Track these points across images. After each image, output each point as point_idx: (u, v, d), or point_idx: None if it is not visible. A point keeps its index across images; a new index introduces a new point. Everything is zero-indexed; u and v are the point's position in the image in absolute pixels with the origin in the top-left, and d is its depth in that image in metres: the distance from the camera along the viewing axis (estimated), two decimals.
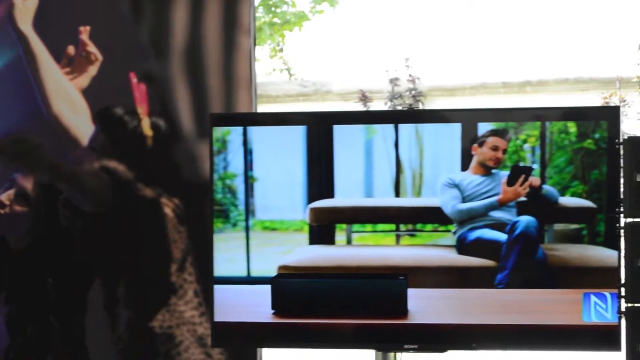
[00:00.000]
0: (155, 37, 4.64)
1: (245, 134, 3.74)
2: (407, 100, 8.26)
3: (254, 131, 3.76)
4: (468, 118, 3.64)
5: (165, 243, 4.60)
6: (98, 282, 4.71)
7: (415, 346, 3.64)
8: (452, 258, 3.68)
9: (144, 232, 4.64)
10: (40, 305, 4.75)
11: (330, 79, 8.83)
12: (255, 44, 4.65)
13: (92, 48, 4.65)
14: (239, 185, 3.77)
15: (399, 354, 3.75)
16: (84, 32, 4.65)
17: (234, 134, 3.76)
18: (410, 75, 8.46)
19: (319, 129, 3.72)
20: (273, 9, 12.06)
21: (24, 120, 4.70)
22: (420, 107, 8.22)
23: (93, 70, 4.67)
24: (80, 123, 4.66)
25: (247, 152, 3.75)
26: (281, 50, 12.56)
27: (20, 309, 4.78)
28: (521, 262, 3.60)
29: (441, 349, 3.66)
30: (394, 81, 8.42)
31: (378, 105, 8.13)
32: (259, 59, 12.26)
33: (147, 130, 4.63)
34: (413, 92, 8.37)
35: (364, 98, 8.05)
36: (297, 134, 3.73)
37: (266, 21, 12.00)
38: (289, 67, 12.61)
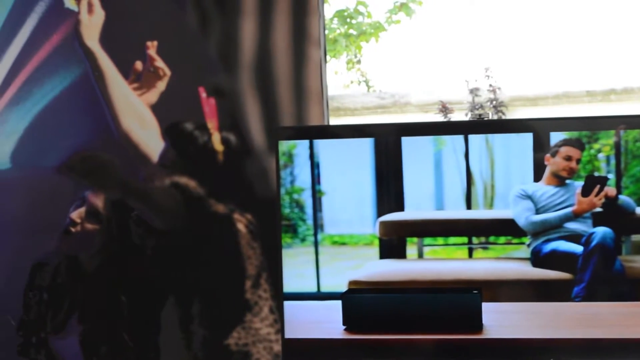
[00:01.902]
0: (223, 51, 4.80)
1: (311, 147, 3.88)
2: (488, 111, 8.34)
3: (321, 144, 3.89)
4: (540, 128, 3.73)
5: (239, 259, 4.75)
6: (172, 300, 4.88)
7: None
8: (527, 271, 3.76)
9: (217, 248, 4.79)
10: (114, 324, 4.93)
11: (409, 91, 8.96)
12: (325, 56, 4.79)
13: (160, 63, 4.84)
14: (307, 199, 3.90)
15: None
16: (152, 47, 4.84)
17: (301, 147, 3.90)
18: (490, 86, 8.54)
19: (387, 141, 3.84)
20: (348, 20, 12.19)
21: (93, 137, 4.90)
22: (502, 117, 8.29)
23: (161, 85, 4.86)
24: (150, 139, 4.85)
25: (314, 166, 3.88)
26: (358, 62, 12.71)
27: (94, 329, 4.97)
28: (598, 275, 3.67)
29: None
30: (474, 91, 8.50)
31: (458, 116, 8.22)
32: (337, 71, 12.43)
33: (218, 145, 4.80)
34: (494, 102, 8.45)
35: (444, 109, 8.16)
36: (365, 147, 3.86)
37: (341, 33, 12.15)
38: (367, 79, 12.75)
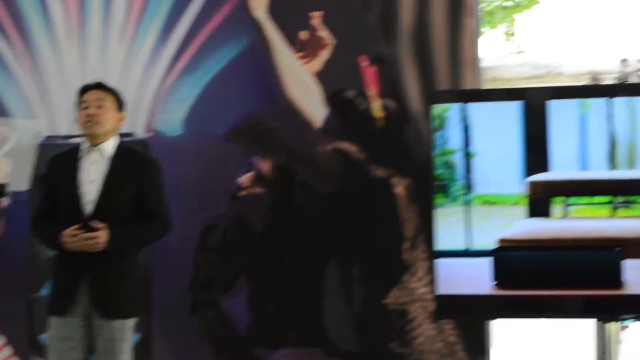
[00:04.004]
0: (384, 21, 5.25)
1: (463, 110, 4.30)
2: (638, 81, 8.51)
3: (472, 108, 4.29)
4: None
5: (397, 222, 5.19)
6: (334, 261, 5.35)
7: (633, 316, 4.10)
8: None
9: (376, 211, 5.25)
10: (279, 284, 5.44)
11: (561, 61, 9.26)
12: (479, 26, 5.17)
13: (323, 33, 5.31)
14: (458, 160, 4.29)
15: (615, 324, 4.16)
16: (316, 18, 5.32)
17: (453, 110, 4.32)
18: None
19: (536, 105, 4.23)
20: None
21: (260, 105, 5.42)
22: None
23: (325, 54, 5.32)
24: (313, 106, 5.34)
25: (466, 128, 4.30)
26: (514, 33, 12.99)
27: (260, 289, 5.48)
28: None
29: None
30: (624, 62, 8.69)
31: None
32: (494, 42, 12.73)
33: (378, 112, 5.23)
34: None
35: (595, 79, 8.40)
36: (514, 111, 4.26)
37: (498, 5, 12.43)
38: (522, 50, 13.03)
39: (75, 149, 4.58)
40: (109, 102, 4.57)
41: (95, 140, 4.52)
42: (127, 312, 4.52)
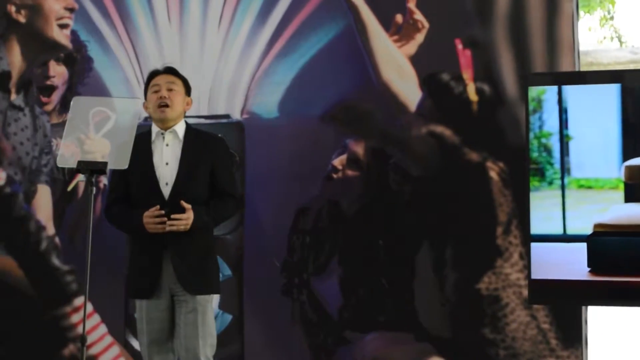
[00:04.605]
0: (479, 4, 5.17)
1: (560, 93, 4.19)
2: None
3: (569, 90, 4.19)
4: None
5: (490, 206, 5.10)
6: (426, 245, 5.27)
7: None
8: None
9: (469, 195, 5.18)
10: (371, 267, 5.38)
11: None
12: (578, 8, 5.05)
13: (419, 16, 5.25)
14: (555, 143, 4.21)
15: None
16: (412, 1, 5.26)
17: (549, 93, 4.21)
18: None
19: (635, 88, 4.10)
20: None
21: (354, 88, 5.38)
22: None
23: (420, 37, 5.26)
24: (408, 89, 5.27)
25: (563, 111, 4.19)
26: (612, 18, 12.79)
27: (352, 271, 5.42)
28: None
29: None
30: None
31: None
32: (591, 27, 12.54)
33: (472, 96, 5.16)
34: None
35: None
36: (612, 93, 4.14)
37: None
38: (620, 35, 12.83)
39: (146, 133, 4.68)
40: (179, 86, 4.67)
41: (166, 124, 4.64)
42: (209, 288, 4.60)
